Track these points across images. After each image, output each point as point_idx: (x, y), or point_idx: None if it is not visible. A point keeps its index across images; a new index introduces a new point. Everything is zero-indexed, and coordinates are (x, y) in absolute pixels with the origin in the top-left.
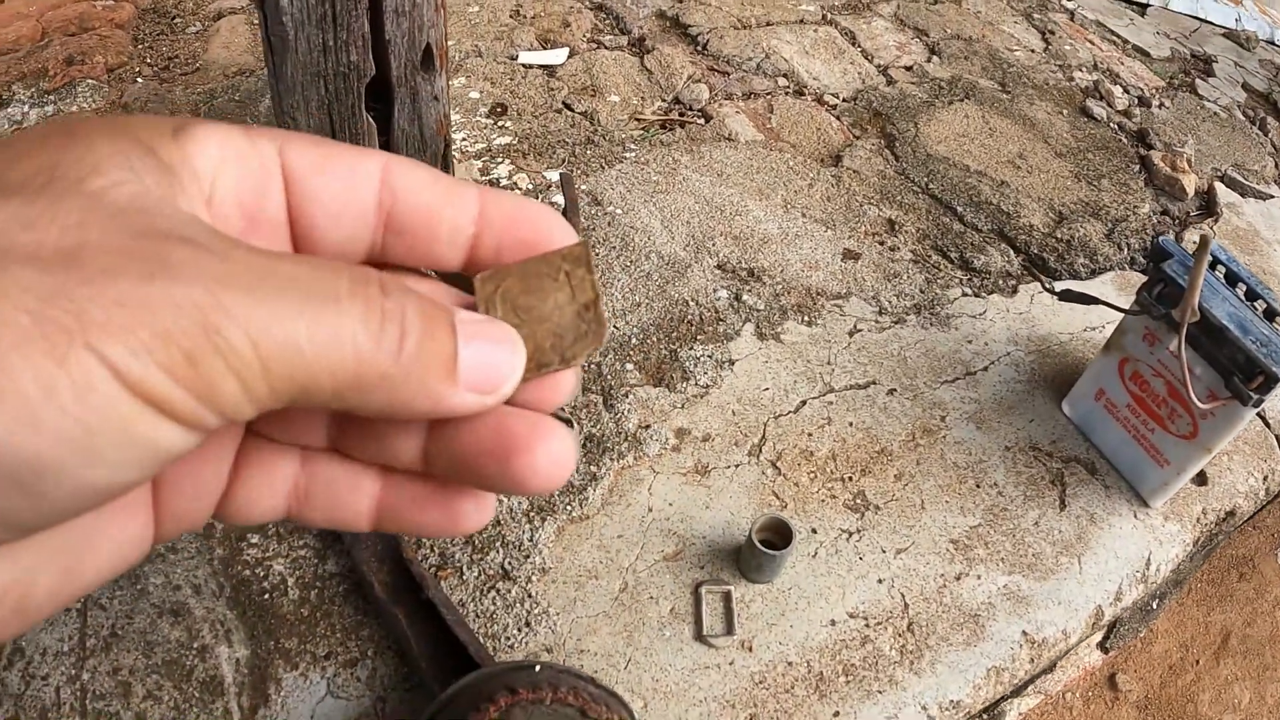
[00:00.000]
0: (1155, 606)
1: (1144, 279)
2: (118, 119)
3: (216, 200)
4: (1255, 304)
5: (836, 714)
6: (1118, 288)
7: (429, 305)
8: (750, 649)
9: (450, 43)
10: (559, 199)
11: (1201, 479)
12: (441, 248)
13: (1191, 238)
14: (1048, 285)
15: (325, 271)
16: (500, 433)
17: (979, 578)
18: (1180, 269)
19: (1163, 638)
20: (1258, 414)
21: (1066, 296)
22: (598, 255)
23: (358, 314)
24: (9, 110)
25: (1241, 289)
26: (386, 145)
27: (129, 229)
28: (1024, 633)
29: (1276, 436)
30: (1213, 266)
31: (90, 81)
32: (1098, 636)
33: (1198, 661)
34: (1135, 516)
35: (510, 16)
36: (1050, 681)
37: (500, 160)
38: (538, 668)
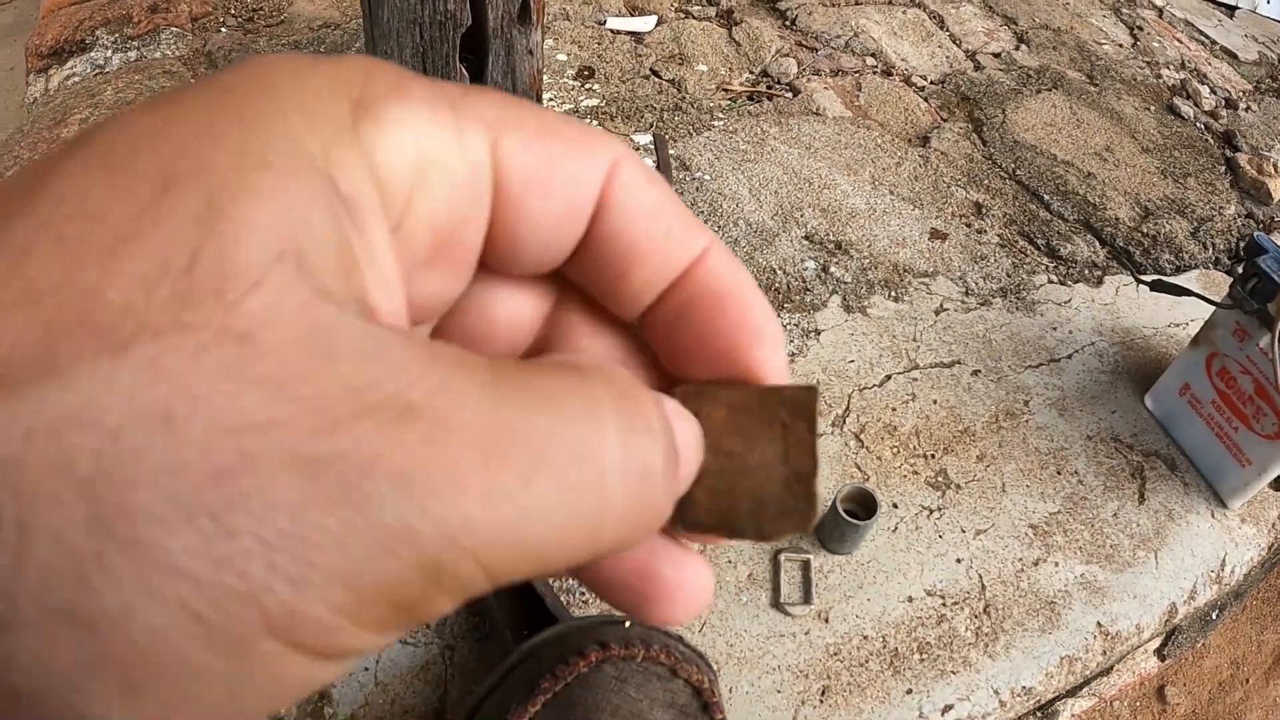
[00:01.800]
0: (1215, 617)
1: (1228, 280)
2: (260, 103)
3: (406, 227)
4: None
5: (909, 691)
6: (1202, 286)
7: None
8: (826, 620)
9: None
10: (649, 160)
11: (1279, 484)
12: (627, 293)
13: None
14: (1137, 275)
15: (584, 408)
16: (641, 575)
17: (1056, 565)
18: (1275, 265)
19: (1214, 653)
20: None
21: (1158, 287)
22: None
23: (631, 472)
24: (92, 55)
25: None
26: None
27: (303, 414)
28: (1098, 624)
29: None
30: None
31: (174, 29)
32: (1157, 642)
33: (1248, 680)
34: (1213, 516)
35: None
36: (1105, 685)
37: (588, 121)
38: (628, 623)
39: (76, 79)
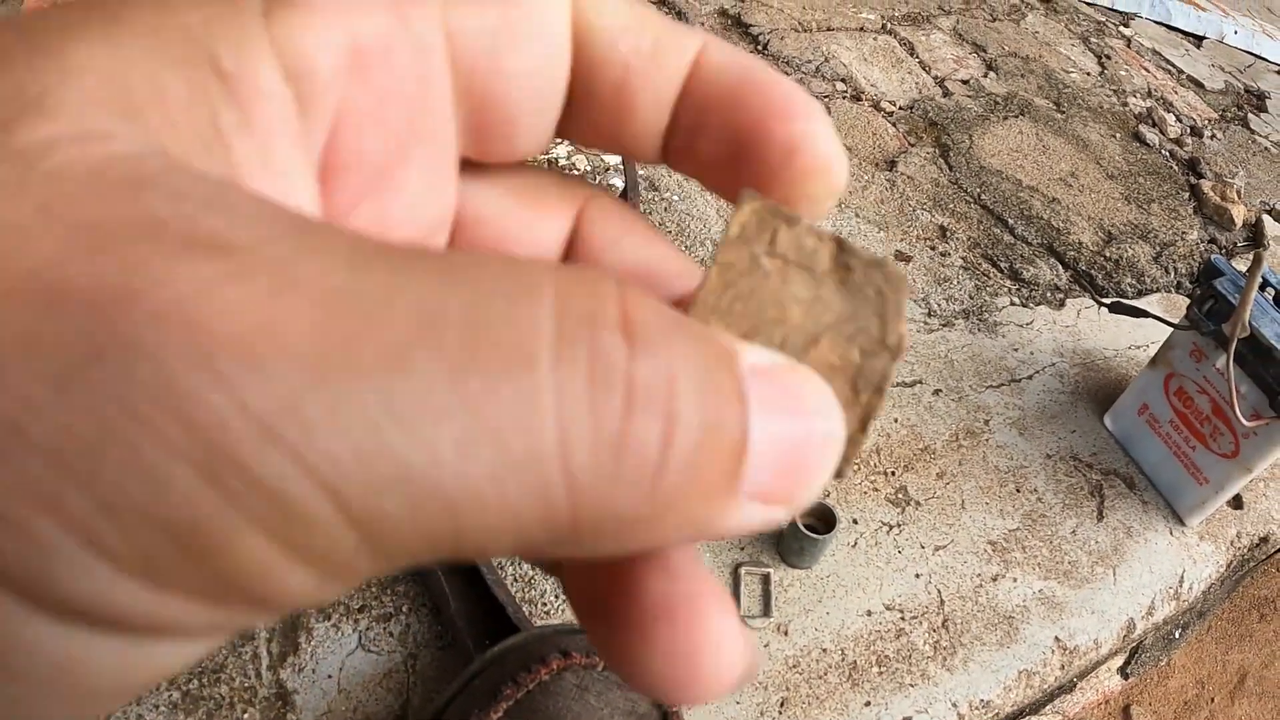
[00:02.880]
0: (1178, 636)
1: (1189, 303)
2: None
3: (344, 121)
4: None
5: (868, 703)
6: (1164, 309)
7: (713, 359)
8: (786, 633)
9: None
10: (617, 181)
11: (1238, 503)
12: (638, 125)
13: (1240, 265)
14: (1097, 298)
15: (505, 295)
16: (666, 647)
17: (1015, 580)
18: (1231, 286)
19: (1179, 673)
20: None
21: (1117, 308)
22: None
23: (576, 409)
24: None
25: None
26: None
27: (76, 233)
28: (1056, 638)
29: None
30: (1263, 288)
31: None
32: (1120, 660)
33: (1213, 700)
34: (1171, 533)
35: None
36: (1069, 702)
37: (559, 141)
38: None
39: None
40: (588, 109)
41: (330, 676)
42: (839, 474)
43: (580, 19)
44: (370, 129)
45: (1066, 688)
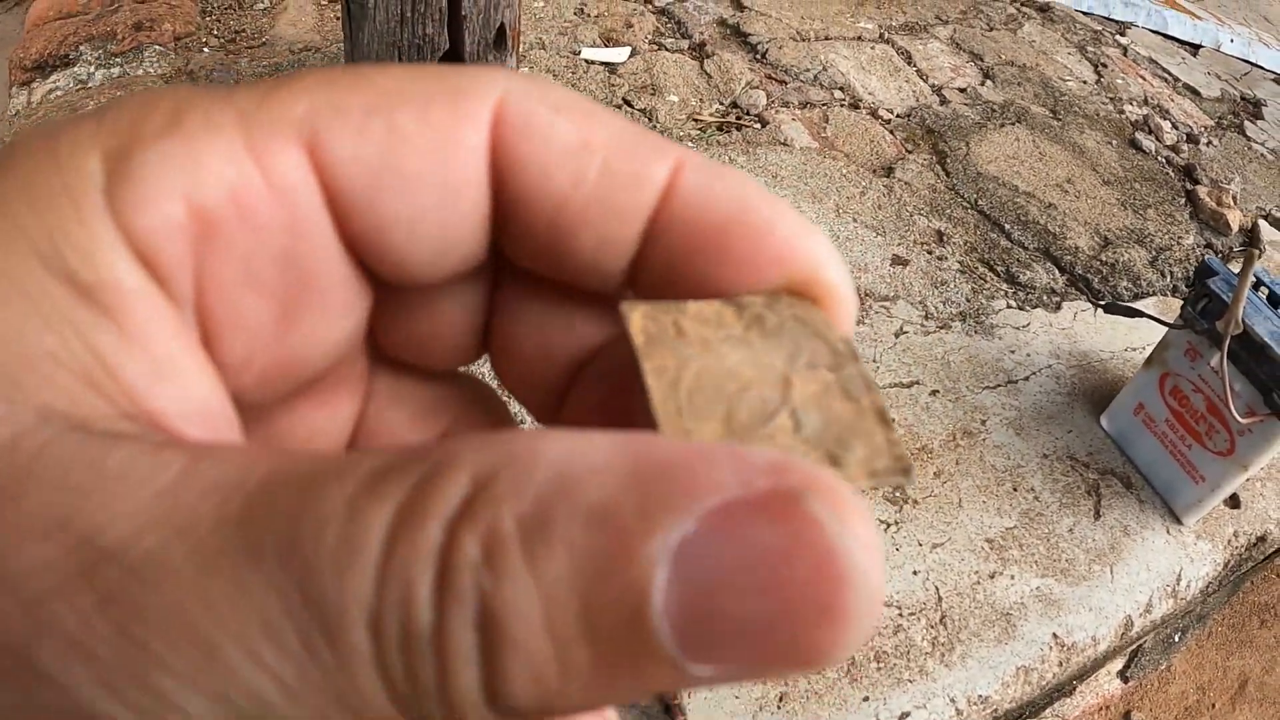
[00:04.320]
0: (1177, 639)
1: (1184, 303)
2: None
3: (212, 299)
4: None
5: (866, 699)
6: (1160, 311)
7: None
8: None
9: None
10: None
11: (1235, 502)
12: (582, 264)
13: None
14: (1093, 300)
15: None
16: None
17: (1012, 578)
18: (1224, 285)
19: (1180, 678)
20: None
21: (1112, 309)
22: None
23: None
24: (75, 69)
25: None
26: None
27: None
28: (1054, 635)
29: None
30: (1256, 287)
31: (157, 48)
32: (1119, 663)
33: (1213, 705)
34: (1168, 532)
35: (575, 13)
36: (1068, 706)
37: None
38: None
39: (59, 93)
40: (523, 241)
41: None
42: (906, 472)
43: (505, 142)
44: (241, 290)
45: (1065, 691)
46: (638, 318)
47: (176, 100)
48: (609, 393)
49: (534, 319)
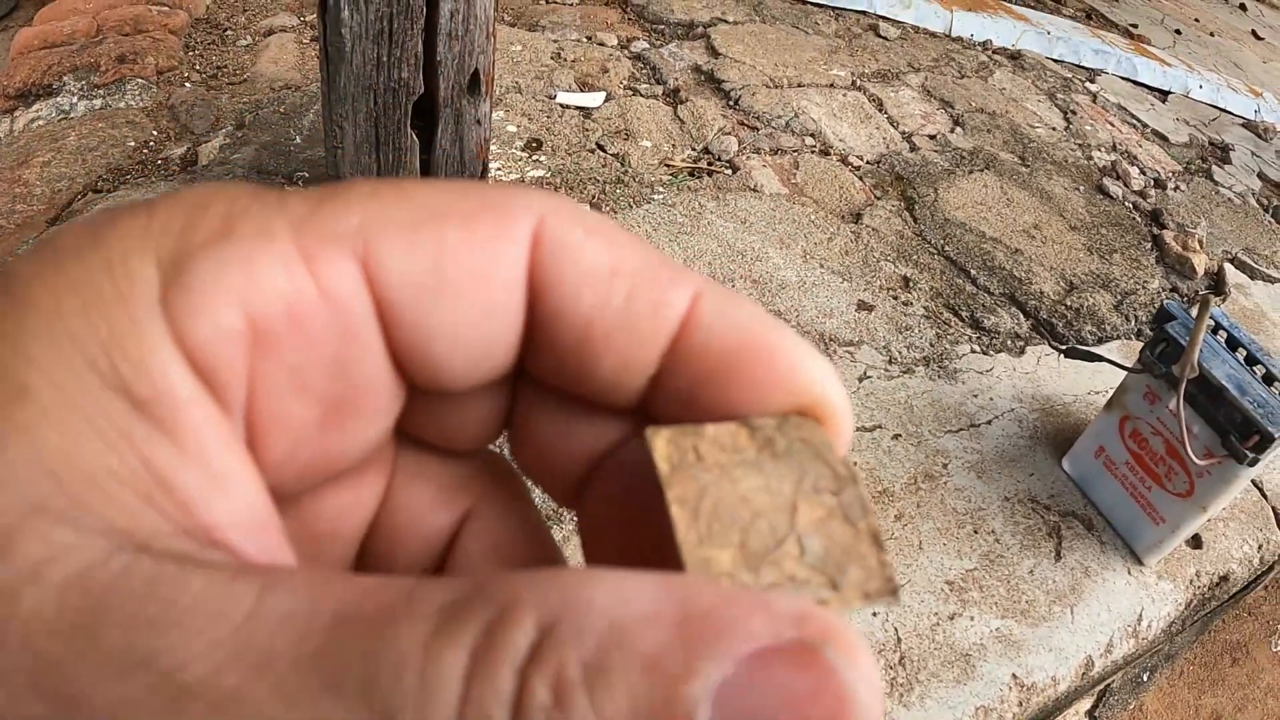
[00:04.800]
0: (1146, 679)
1: (1142, 347)
2: (35, 301)
3: (261, 404)
4: (1255, 369)
5: None
6: (1123, 355)
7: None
8: None
9: None
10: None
11: (1197, 542)
12: (604, 382)
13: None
14: (1053, 344)
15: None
16: None
17: (972, 619)
18: (1182, 330)
19: (1152, 718)
20: (1255, 485)
21: (1073, 353)
22: None
23: None
24: (58, 99)
25: (1242, 354)
26: (427, 164)
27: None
28: (1014, 675)
29: (1274, 508)
30: (1215, 331)
31: (140, 81)
32: (1087, 704)
33: None
34: (1129, 573)
35: (551, 58)
36: None
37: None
38: None
39: (41, 122)
40: (551, 353)
41: None
42: (894, 594)
43: (540, 262)
44: (289, 395)
45: None
46: (661, 444)
47: (229, 203)
48: (628, 488)
49: (552, 416)
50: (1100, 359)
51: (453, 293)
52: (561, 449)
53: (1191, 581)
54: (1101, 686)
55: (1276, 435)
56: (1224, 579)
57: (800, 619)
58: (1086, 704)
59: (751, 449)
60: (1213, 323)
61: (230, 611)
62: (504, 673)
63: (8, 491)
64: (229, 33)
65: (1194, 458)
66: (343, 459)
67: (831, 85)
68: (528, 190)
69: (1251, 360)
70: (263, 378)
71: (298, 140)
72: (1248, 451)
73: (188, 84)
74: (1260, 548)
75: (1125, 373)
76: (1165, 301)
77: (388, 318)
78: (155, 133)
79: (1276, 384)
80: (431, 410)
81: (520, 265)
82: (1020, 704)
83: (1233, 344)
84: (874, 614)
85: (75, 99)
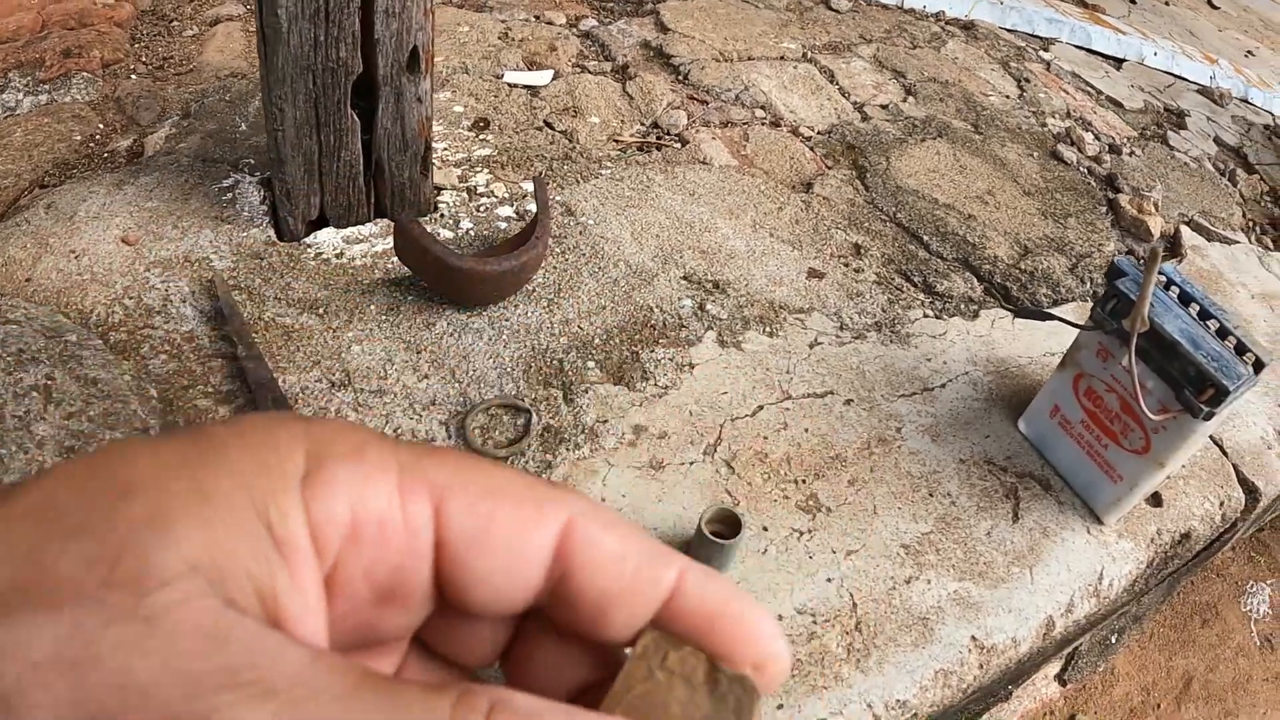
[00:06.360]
0: (1114, 641)
1: (1093, 304)
2: (228, 450)
3: (341, 573)
4: (1208, 323)
5: (780, 706)
6: (1078, 317)
7: None
8: None
9: (439, 59)
10: (534, 208)
11: (1157, 500)
12: (608, 632)
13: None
14: (1005, 306)
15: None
16: None
17: (929, 582)
18: (1133, 285)
19: (1124, 680)
20: (1215, 442)
21: (1023, 313)
22: (566, 262)
23: None
24: (3, 96)
25: (1195, 309)
26: (369, 143)
27: (180, 682)
28: (973, 637)
29: (1234, 465)
30: (1167, 287)
31: (85, 75)
32: (1056, 667)
33: (1159, 705)
34: (1089, 532)
35: (499, 38)
36: (1006, 711)
37: (479, 170)
38: None
39: None
40: (568, 607)
41: None
42: None
43: (568, 546)
44: (359, 576)
45: (999, 695)
46: (648, 638)
47: (362, 438)
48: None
49: (549, 651)
50: (1052, 317)
51: (490, 553)
52: (549, 680)
53: (1153, 540)
54: (1070, 649)
55: (1231, 388)
56: (1186, 536)
57: None
58: (1055, 667)
59: (702, 676)
60: (1165, 279)
61: (293, 656)
62: None
63: (176, 552)
64: (175, 23)
65: (1148, 413)
66: (375, 634)
67: (782, 58)
68: (568, 492)
69: (1205, 315)
70: (346, 558)
71: (243, 127)
72: (1203, 405)
73: (134, 76)
74: (1222, 505)
75: (1078, 330)
76: (1116, 258)
77: (442, 551)
78: (101, 126)
79: (1230, 338)
80: (448, 629)
81: (548, 546)
82: (980, 666)
83: (1185, 299)
84: (828, 580)
85: (21, 95)
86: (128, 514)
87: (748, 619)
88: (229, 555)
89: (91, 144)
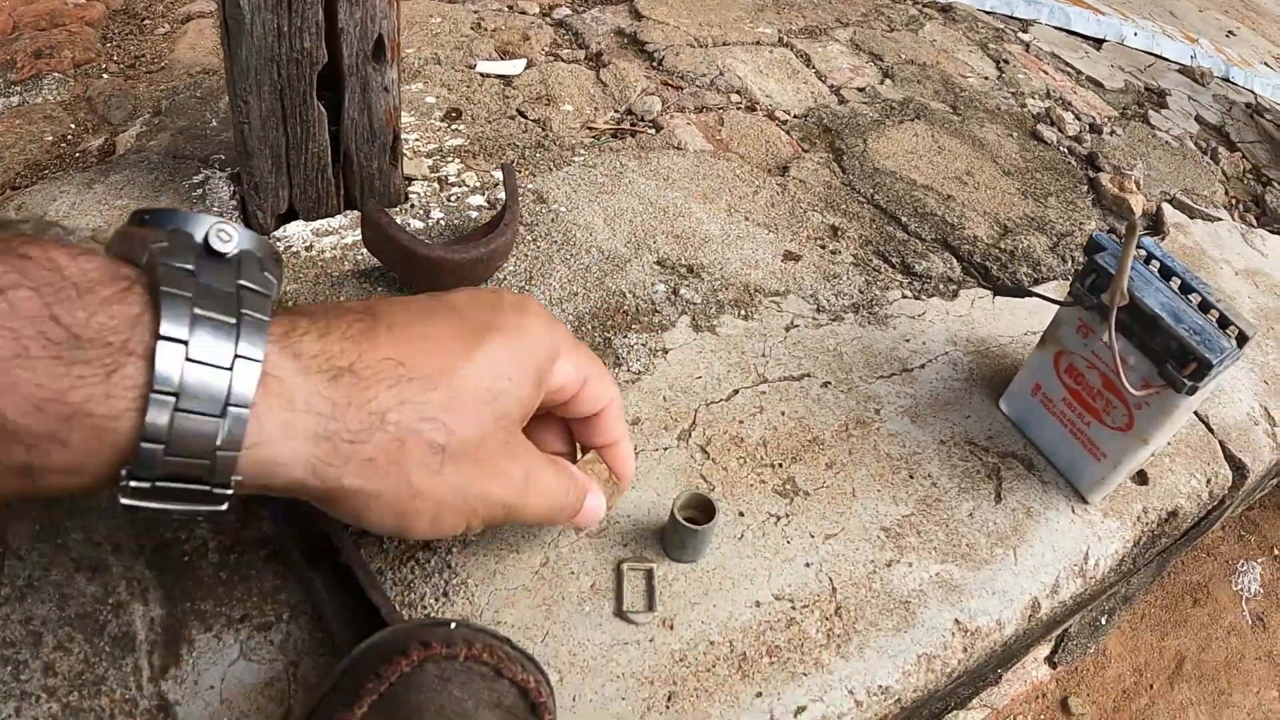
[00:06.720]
0: (1104, 622)
1: (1072, 279)
2: (525, 337)
3: (552, 390)
4: (1190, 297)
5: (759, 694)
6: (1059, 294)
7: (589, 483)
8: (671, 627)
9: (410, 50)
10: (503, 195)
11: (1142, 478)
12: (581, 414)
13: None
14: (983, 284)
15: (559, 478)
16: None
17: (910, 565)
18: (1112, 260)
19: (1116, 662)
20: (1200, 419)
21: (1002, 290)
22: (538, 249)
23: (569, 506)
24: None
25: (1176, 282)
26: (336, 134)
27: (498, 438)
28: (956, 620)
29: (1220, 441)
30: (1147, 261)
31: (56, 75)
32: (1045, 649)
33: (1151, 686)
34: (1073, 512)
35: (471, 28)
36: (997, 695)
37: (450, 159)
38: (454, 625)
39: None
40: (571, 405)
41: (212, 687)
42: None
43: (584, 392)
44: (557, 394)
45: (988, 679)
46: (590, 454)
47: (572, 343)
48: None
49: (550, 432)
50: (1031, 294)
51: (589, 400)
52: (550, 443)
53: (1139, 518)
54: (1059, 631)
55: (1214, 361)
56: (1173, 514)
57: None
58: (1045, 650)
59: (605, 475)
60: (1145, 253)
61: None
62: None
63: (489, 369)
64: (146, 21)
65: (1130, 388)
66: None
67: (758, 43)
68: (607, 373)
69: (1186, 289)
70: (558, 392)
71: (214, 123)
72: (1185, 379)
73: (105, 75)
74: (1209, 482)
75: (1057, 307)
76: (1095, 233)
77: (575, 396)
78: (73, 126)
79: (1213, 311)
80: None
81: (598, 397)
82: (965, 649)
83: (1166, 273)
84: (806, 565)
85: None
86: (479, 337)
87: (621, 449)
88: (513, 388)
89: (63, 144)
